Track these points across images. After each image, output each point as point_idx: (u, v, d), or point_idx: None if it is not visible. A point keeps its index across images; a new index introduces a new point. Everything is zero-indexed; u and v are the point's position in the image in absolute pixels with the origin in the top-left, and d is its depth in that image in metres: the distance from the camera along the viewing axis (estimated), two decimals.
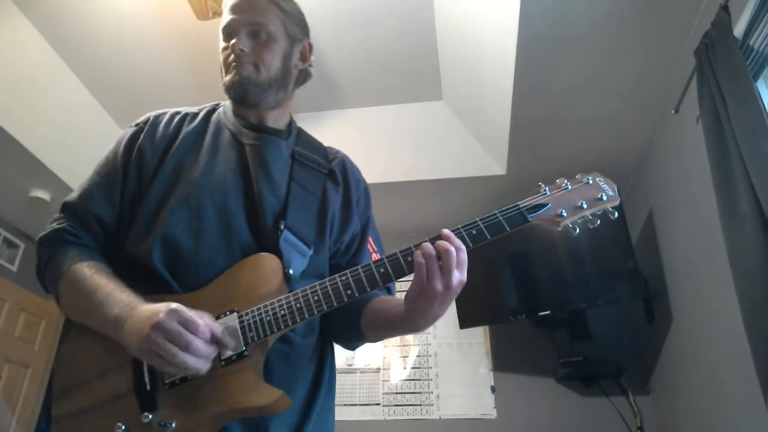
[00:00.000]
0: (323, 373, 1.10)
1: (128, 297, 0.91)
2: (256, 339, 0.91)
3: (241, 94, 1.11)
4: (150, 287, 0.96)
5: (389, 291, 1.13)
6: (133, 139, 1.11)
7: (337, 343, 1.18)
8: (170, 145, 1.10)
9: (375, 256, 1.19)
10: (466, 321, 2.95)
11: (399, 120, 3.07)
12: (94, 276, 0.95)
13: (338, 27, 2.59)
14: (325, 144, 1.26)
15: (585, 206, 0.98)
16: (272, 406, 0.88)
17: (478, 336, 3.18)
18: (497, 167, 2.93)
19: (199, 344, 0.84)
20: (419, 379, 3.13)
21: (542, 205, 0.97)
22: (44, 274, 1.02)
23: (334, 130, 3.06)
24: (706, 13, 1.86)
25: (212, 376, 0.89)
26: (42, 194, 3.19)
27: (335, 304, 0.93)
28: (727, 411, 1.93)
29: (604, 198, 0.99)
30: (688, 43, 2.01)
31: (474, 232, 0.94)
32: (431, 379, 3.12)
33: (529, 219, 0.96)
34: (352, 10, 2.52)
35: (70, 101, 2.99)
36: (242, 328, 0.92)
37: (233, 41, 1.11)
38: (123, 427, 0.86)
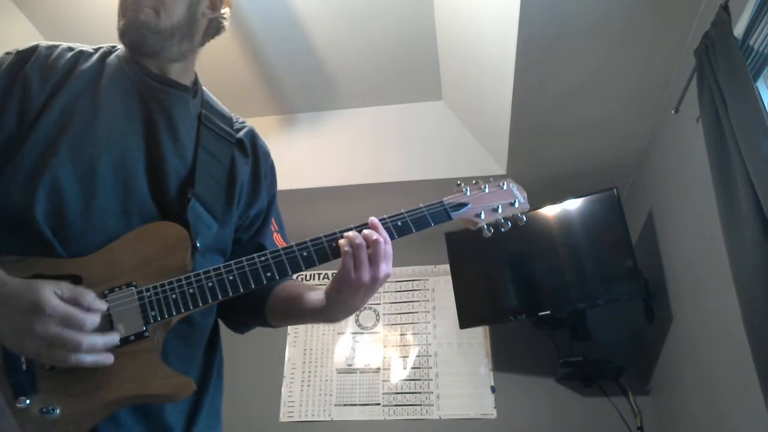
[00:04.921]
0: (215, 356, 1.04)
1: None
2: (159, 319, 0.82)
3: (138, 40, 0.97)
4: (25, 246, 0.83)
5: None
6: (15, 66, 0.95)
7: (227, 324, 1.12)
8: (61, 83, 0.95)
9: (277, 236, 1.15)
10: (466, 321, 2.95)
11: (398, 120, 3.07)
12: None
13: (338, 27, 2.59)
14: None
15: (500, 210, 1.04)
16: (177, 394, 0.81)
17: (478, 336, 3.18)
18: (497, 167, 2.93)
19: (94, 341, 0.74)
20: (419, 379, 3.13)
21: (464, 204, 1.02)
22: None
23: (333, 130, 3.05)
24: (706, 13, 1.86)
25: None
26: None
27: (253, 286, 0.87)
28: (727, 411, 1.93)
29: (516, 204, 1.06)
30: (688, 43, 2.01)
31: (400, 224, 0.95)
32: (431, 379, 3.12)
33: (452, 216, 1.00)
34: (352, 9, 2.52)
35: None
36: (142, 305, 0.82)
37: None
38: None
